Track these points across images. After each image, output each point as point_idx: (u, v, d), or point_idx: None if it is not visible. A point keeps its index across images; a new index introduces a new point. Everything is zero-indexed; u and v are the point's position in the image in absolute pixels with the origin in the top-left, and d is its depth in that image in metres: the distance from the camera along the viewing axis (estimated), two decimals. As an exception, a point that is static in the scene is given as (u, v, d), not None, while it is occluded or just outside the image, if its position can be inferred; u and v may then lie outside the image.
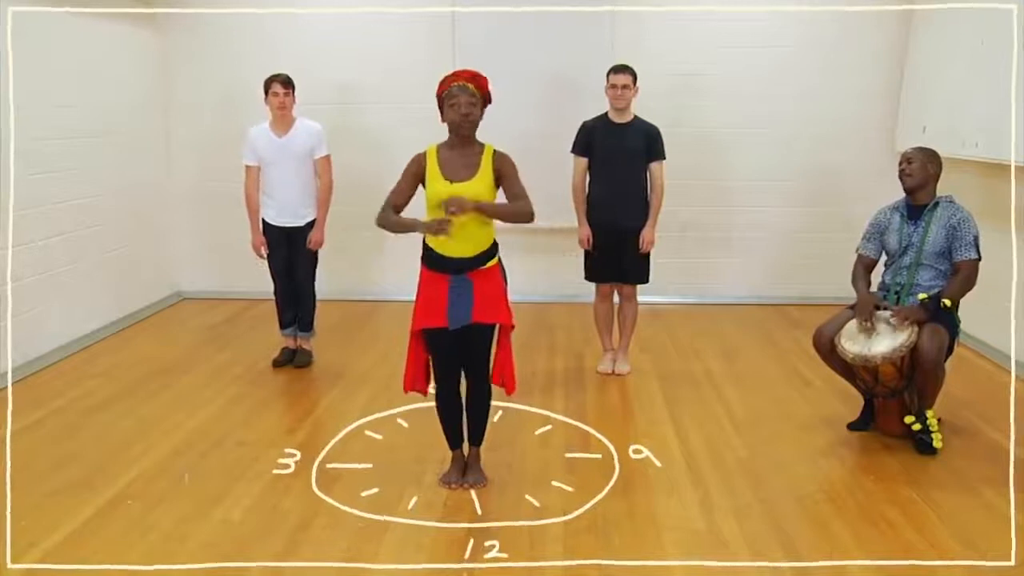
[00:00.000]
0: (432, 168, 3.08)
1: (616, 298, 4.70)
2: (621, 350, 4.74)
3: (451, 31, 5.87)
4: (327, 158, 4.63)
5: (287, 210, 4.60)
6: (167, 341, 5.36)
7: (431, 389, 3.33)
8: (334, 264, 5.79)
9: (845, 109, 5.99)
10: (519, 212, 3.07)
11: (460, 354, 3.21)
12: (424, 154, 3.12)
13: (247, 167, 4.60)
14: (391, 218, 3.09)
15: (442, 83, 3.08)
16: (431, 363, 3.26)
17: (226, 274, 6.25)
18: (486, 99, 3.11)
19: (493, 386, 3.30)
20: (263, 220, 4.66)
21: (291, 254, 4.68)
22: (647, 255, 4.53)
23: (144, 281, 5.96)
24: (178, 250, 6.35)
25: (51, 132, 4.85)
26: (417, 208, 3.12)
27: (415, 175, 3.11)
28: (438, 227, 2.89)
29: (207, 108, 6.12)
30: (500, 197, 3.17)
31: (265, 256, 4.70)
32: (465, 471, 3.36)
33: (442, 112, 3.09)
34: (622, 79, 4.35)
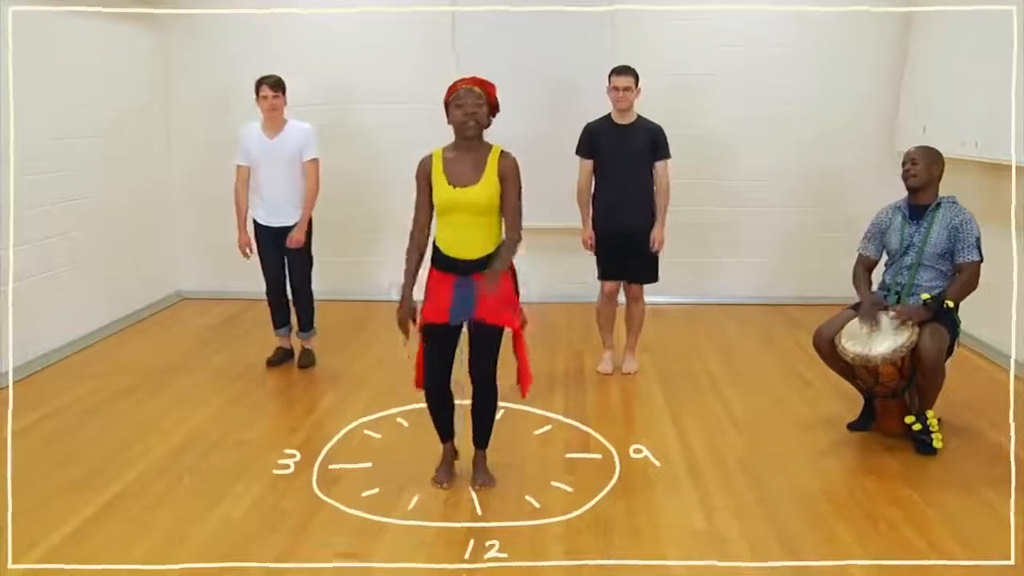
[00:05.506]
0: (437, 172, 3.07)
1: (622, 298, 4.69)
2: (628, 349, 4.75)
3: (451, 31, 5.86)
4: (315, 161, 4.59)
5: (277, 210, 4.59)
6: (167, 341, 5.36)
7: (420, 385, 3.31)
8: (333, 264, 5.80)
9: (845, 109, 5.99)
10: (515, 248, 3.14)
11: (460, 354, 3.20)
12: (429, 158, 3.11)
13: (238, 166, 4.61)
14: (409, 259, 3.16)
15: (450, 88, 3.07)
16: (424, 356, 3.23)
17: (226, 274, 6.23)
18: (493, 105, 3.09)
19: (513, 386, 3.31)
20: (254, 220, 4.66)
21: (283, 254, 4.68)
22: (655, 254, 4.53)
23: (144, 281, 5.96)
24: (178, 250, 6.35)
25: (51, 132, 4.85)
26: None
27: (426, 181, 3.11)
28: (402, 328, 3.16)
29: (207, 108, 6.12)
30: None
31: (250, 255, 4.69)
32: (473, 477, 3.36)
33: (448, 115, 3.07)
34: (623, 81, 4.34)
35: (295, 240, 4.60)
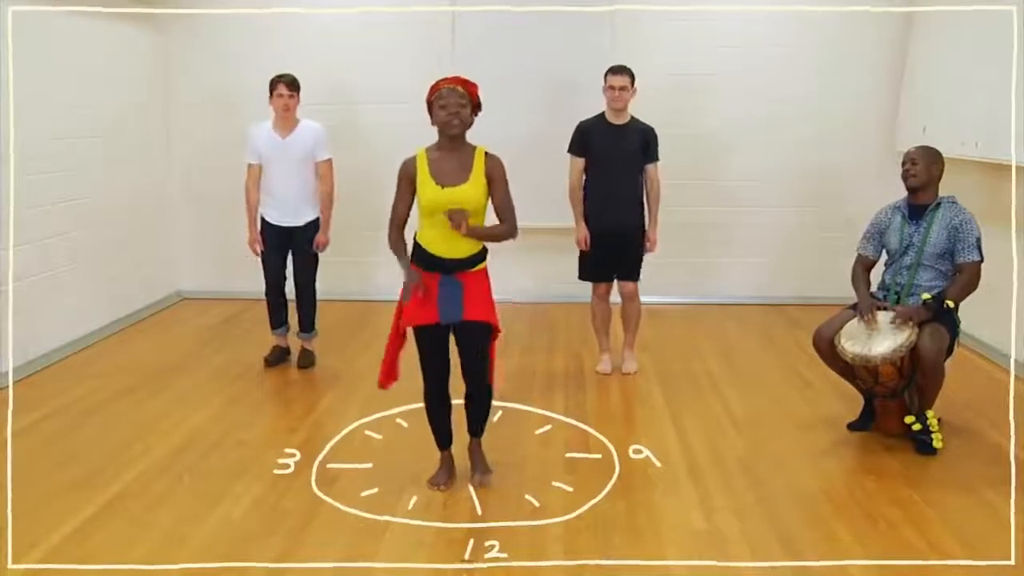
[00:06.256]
0: (423, 172, 3.06)
1: (617, 298, 4.69)
2: (627, 347, 4.75)
3: (450, 31, 5.87)
4: (329, 161, 4.62)
5: (287, 210, 4.60)
6: (167, 341, 5.36)
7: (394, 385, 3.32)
8: (333, 264, 5.79)
9: (845, 109, 5.99)
10: (504, 235, 3.13)
11: (453, 356, 3.20)
12: (413, 159, 3.10)
13: (249, 165, 4.60)
14: (396, 246, 3.17)
15: (432, 88, 3.06)
16: (420, 363, 3.23)
17: (226, 274, 6.24)
18: (476, 104, 3.08)
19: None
20: (263, 219, 4.66)
21: (289, 253, 4.68)
22: (640, 253, 4.55)
23: (144, 281, 5.96)
24: (178, 250, 6.35)
25: (51, 132, 4.85)
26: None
27: (408, 182, 3.10)
28: (410, 288, 3.08)
29: (207, 108, 6.12)
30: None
31: (260, 254, 4.70)
32: (471, 469, 3.36)
33: (432, 115, 3.07)
34: (620, 80, 4.35)
35: (321, 243, 4.65)
